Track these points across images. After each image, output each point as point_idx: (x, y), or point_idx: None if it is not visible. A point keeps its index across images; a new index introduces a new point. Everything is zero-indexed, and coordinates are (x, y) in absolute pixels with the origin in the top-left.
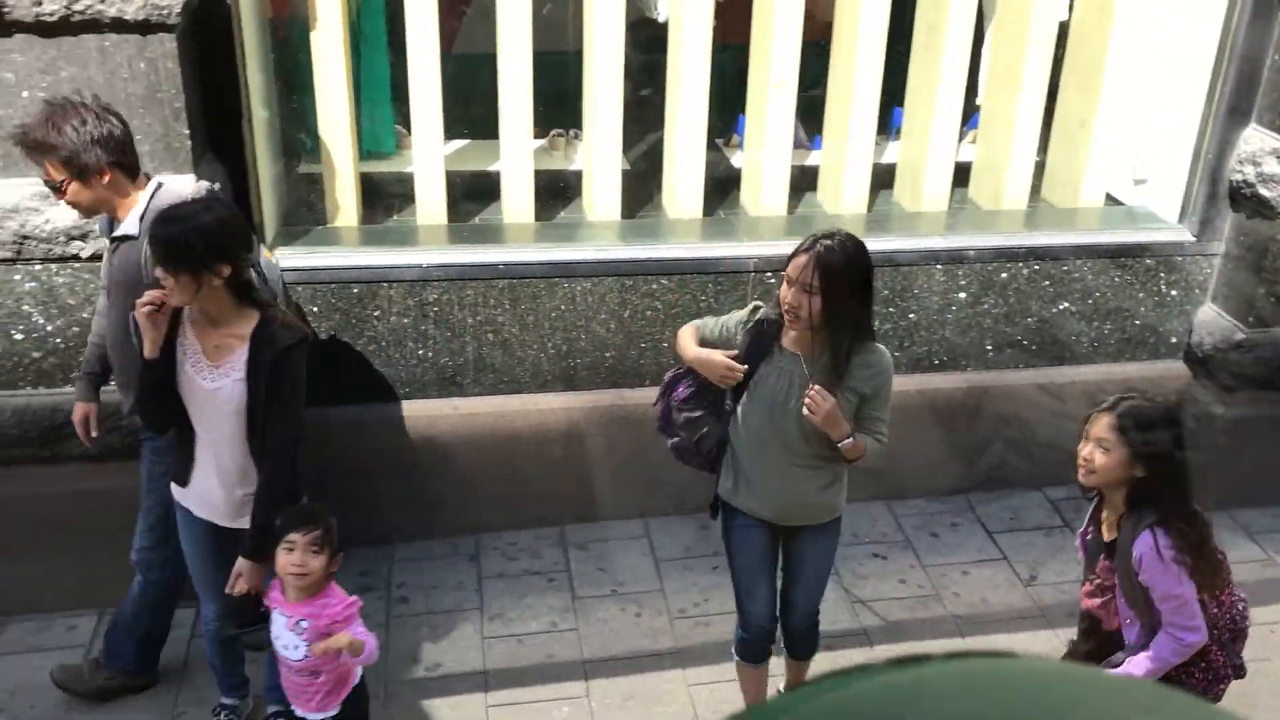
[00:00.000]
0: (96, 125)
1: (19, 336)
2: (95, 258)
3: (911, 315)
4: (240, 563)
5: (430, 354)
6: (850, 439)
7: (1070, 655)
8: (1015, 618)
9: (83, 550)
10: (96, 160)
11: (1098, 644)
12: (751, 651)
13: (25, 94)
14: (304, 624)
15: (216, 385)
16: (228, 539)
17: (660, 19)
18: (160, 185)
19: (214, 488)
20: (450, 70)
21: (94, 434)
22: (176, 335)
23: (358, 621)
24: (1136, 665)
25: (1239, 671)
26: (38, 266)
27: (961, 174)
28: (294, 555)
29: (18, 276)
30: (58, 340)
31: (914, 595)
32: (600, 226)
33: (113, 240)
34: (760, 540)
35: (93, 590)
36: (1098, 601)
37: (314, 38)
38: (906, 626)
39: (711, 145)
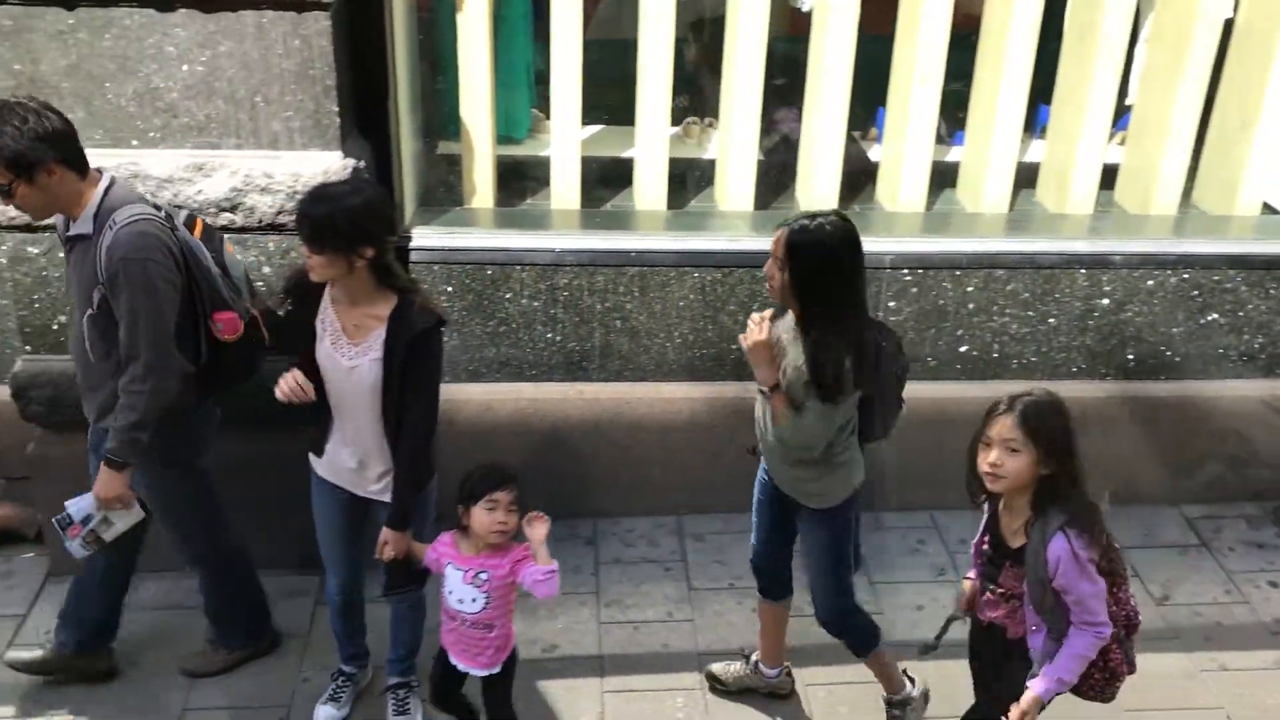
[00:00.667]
0: (37, 122)
1: None
2: (245, 228)
3: (1051, 320)
4: (385, 532)
5: (558, 338)
6: (775, 390)
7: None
8: (1145, 638)
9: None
10: (41, 157)
11: (994, 654)
12: (758, 583)
13: (185, 67)
14: (484, 576)
15: (354, 363)
16: (357, 511)
17: (804, 8)
18: (113, 181)
19: (345, 459)
20: (588, 55)
21: None
22: (317, 312)
23: (530, 563)
24: (1060, 669)
25: (1132, 667)
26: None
27: (1108, 176)
28: (497, 513)
29: None
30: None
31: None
32: (732, 216)
33: (68, 241)
34: (769, 491)
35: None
36: (1002, 611)
37: (460, 20)
38: None
39: (849, 137)
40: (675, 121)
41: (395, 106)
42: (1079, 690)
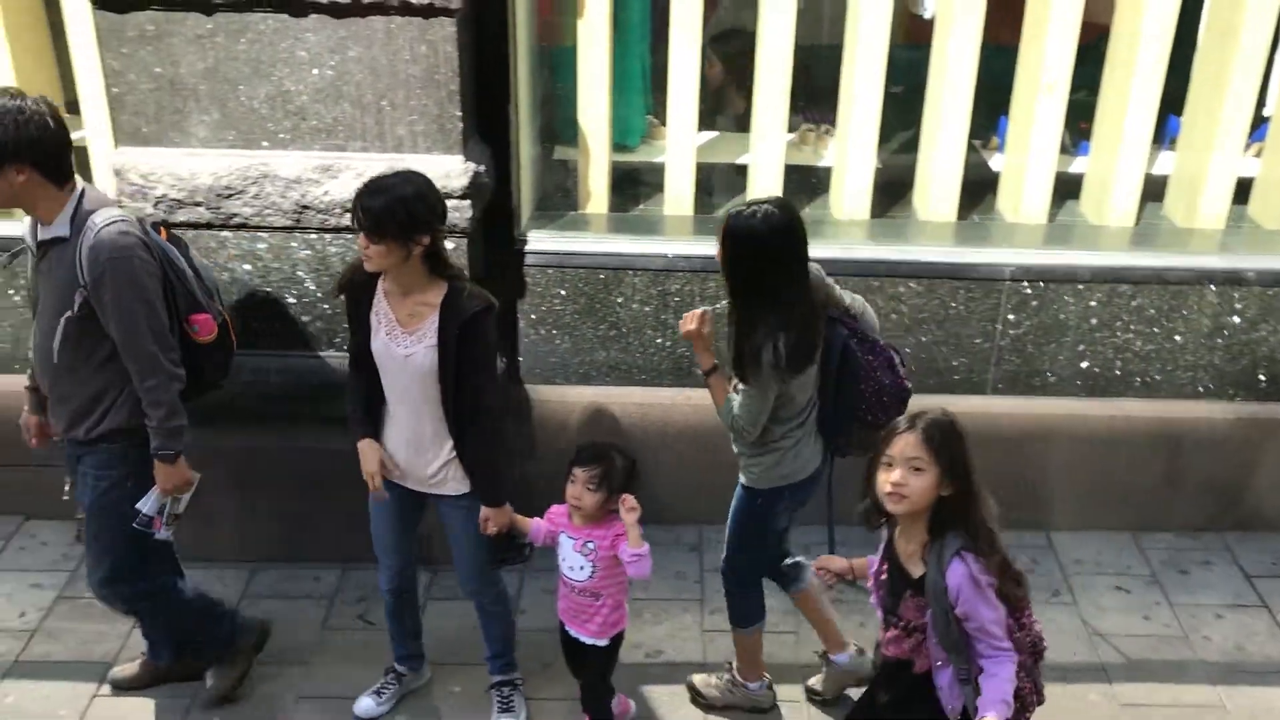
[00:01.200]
0: (27, 123)
1: (291, 300)
2: None
3: (1178, 337)
4: (484, 510)
5: (668, 343)
6: (710, 374)
7: (863, 708)
8: (1275, 671)
9: (333, 506)
10: (14, 156)
11: (902, 692)
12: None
13: (315, 72)
14: (591, 545)
15: (410, 351)
16: (410, 505)
17: (926, 15)
18: (83, 190)
19: (404, 453)
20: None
21: (34, 444)
22: (370, 308)
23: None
24: (998, 692)
25: (1040, 697)
26: (313, 235)
27: (1242, 190)
28: (573, 488)
29: (295, 244)
30: (325, 306)
31: (1159, 634)
32: (847, 224)
33: (40, 245)
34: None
35: (339, 545)
36: (907, 647)
37: (580, 25)
38: (1149, 667)
39: (969, 147)
40: (792, 128)
41: (515, 111)
42: None
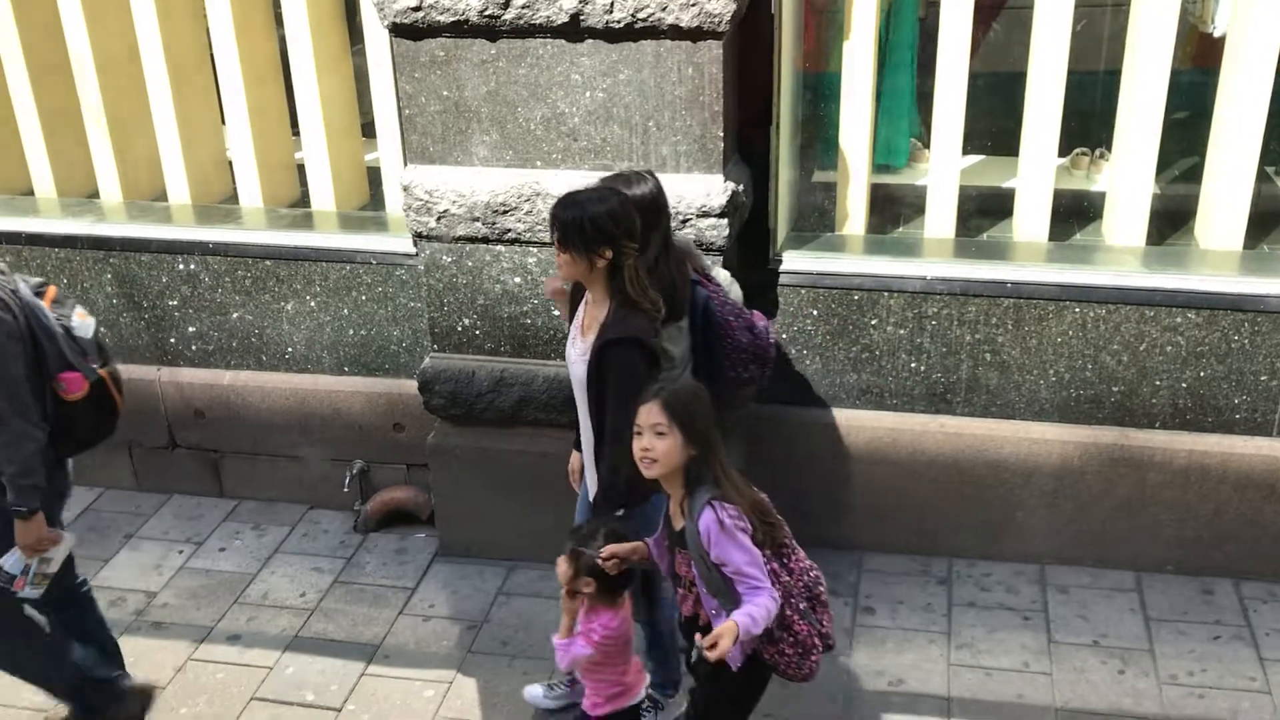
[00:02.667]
0: None
1: (556, 312)
2: None
3: None
4: None
5: (923, 368)
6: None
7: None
8: None
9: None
10: None
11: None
12: None
13: (588, 94)
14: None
15: (575, 358)
16: None
17: (1216, 34)
18: None
19: (584, 456)
20: (970, 86)
21: None
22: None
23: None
24: (747, 611)
25: (827, 641)
26: None
27: None
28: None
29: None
30: None
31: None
32: (1120, 251)
33: None
34: None
35: None
36: (690, 604)
37: (846, 47)
38: None
39: (1261, 174)
40: (1063, 152)
41: (776, 133)
42: (779, 670)
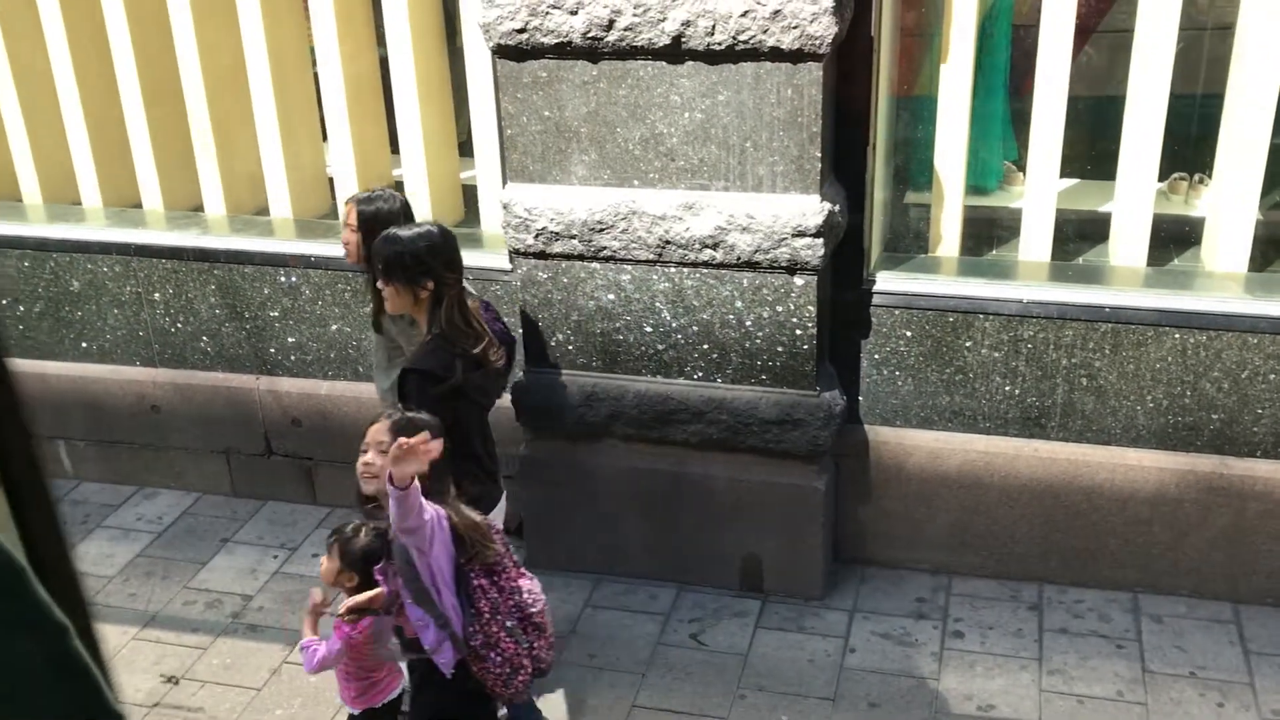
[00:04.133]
0: None
1: (648, 329)
2: (723, 264)
3: None
4: None
5: (1017, 391)
6: None
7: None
8: None
9: (673, 529)
10: None
11: (419, 665)
12: None
13: (686, 115)
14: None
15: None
16: None
17: None
18: None
19: None
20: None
21: None
22: None
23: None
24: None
25: (539, 664)
26: (672, 269)
27: None
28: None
29: (655, 277)
30: (679, 336)
31: None
32: (1221, 277)
33: None
34: None
35: (676, 566)
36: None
37: (943, 70)
38: None
39: None
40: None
41: (873, 154)
42: (487, 686)
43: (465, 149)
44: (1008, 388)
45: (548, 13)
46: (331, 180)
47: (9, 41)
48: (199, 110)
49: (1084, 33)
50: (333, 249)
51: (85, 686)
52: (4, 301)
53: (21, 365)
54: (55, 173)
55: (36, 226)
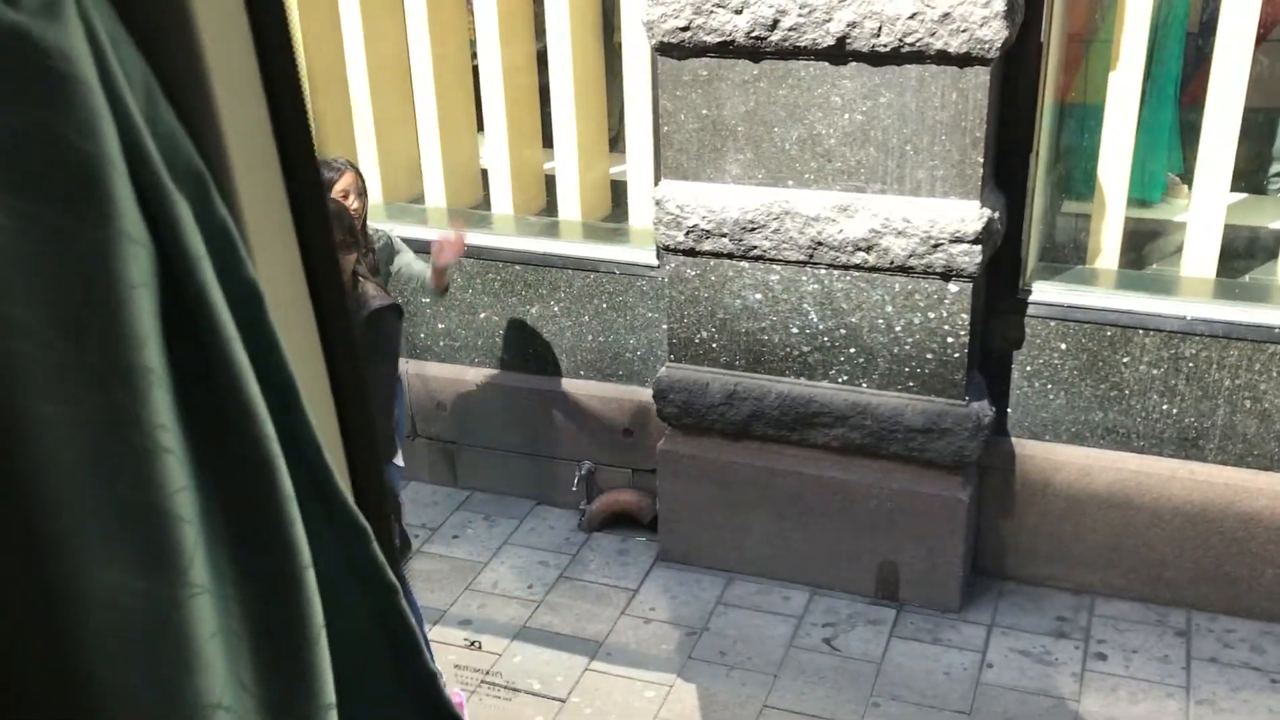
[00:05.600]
0: None
1: (794, 330)
2: (875, 268)
3: None
4: None
5: (1174, 410)
6: None
7: None
8: None
9: (809, 532)
10: None
11: None
12: None
13: (846, 116)
14: None
15: None
16: None
17: None
18: None
19: None
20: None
21: None
22: None
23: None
24: None
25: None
26: (822, 271)
27: None
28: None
29: (804, 278)
30: (825, 339)
31: None
32: None
33: None
34: None
35: (810, 569)
36: None
37: (1112, 78)
38: None
39: None
40: None
41: (1035, 161)
42: None
43: (613, 144)
44: (1165, 406)
45: (712, 11)
46: (485, 172)
47: None
48: (362, 100)
49: (1256, 41)
50: (486, 239)
51: (409, 645)
52: None
53: None
54: None
55: None
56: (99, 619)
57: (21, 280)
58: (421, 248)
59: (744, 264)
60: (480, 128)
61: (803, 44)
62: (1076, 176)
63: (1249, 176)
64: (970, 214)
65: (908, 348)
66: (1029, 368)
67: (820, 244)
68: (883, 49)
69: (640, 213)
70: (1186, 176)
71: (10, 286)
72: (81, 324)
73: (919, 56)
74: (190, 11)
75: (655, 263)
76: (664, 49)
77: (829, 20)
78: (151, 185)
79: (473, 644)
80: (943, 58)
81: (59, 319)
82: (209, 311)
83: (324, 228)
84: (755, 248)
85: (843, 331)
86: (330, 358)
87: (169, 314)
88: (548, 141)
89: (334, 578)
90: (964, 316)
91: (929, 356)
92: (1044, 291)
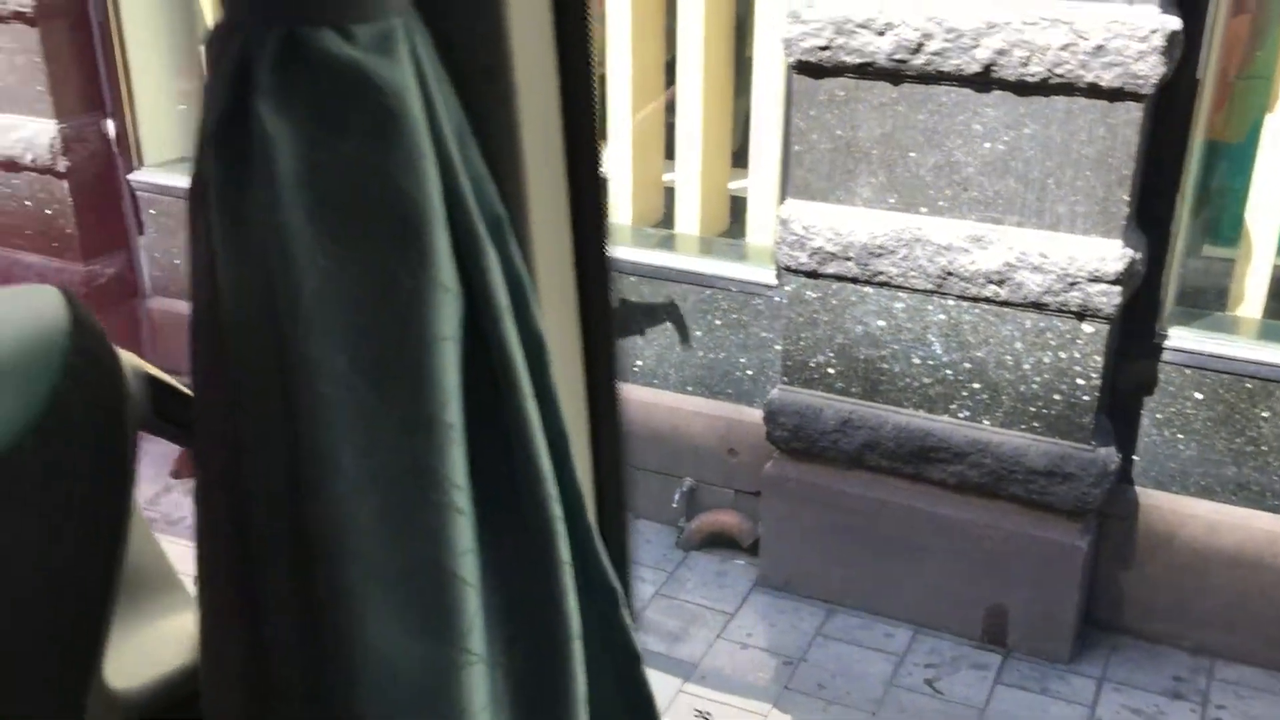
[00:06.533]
0: None
1: (916, 361)
2: (1007, 302)
3: None
4: None
5: None
6: None
7: None
8: None
9: (916, 568)
10: None
11: None
12: None
13: (986, 145)
14: None
15: None
16: None
17: None
18: None
19: None
20: None
21: None
22: None
23: None
24: None
25: None
26: (951, 302)
27: None
28: None
29: (931, 308)
30: (948, 372)
31: None
32: None
33: None
34: None
35: (915, 607)
36: None
37: (1268, 119)
38: None
39: None
40: None
41: (1181, 201)
42: None
43: (734, 159)
44: None
45: (854, 32)
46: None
47: None
48: None
49: None
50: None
51: (647, 717)
52: None
53: None
54: None
55: None
56: (374, 678)
57: (335, 323)
58: None
59: (868, 289)
60: (604, 136)
61: (946, 69)
62: (1222, 219)
63: None
64: (1111, 253)
65: (1035, 386)
66: (1160, 415)
67: (950, 274)
68: (1030, 79)
69: (760, 230)
70: None
71: (323, 328)
72: (389, 373)
73: (1068, 88)
74: (509, 54)
75: (774, 282)
76: (801, 67)
77: (975, 47)
78: (465, 231)
79: None
80: (1093, 91)
81: (367, 366)
82: (509, 366)
83: (605, 280)
84: (881, 273)
85: (967, 365)
86: (594, 410)
87: (469, 367)
88: (670, 152)
89: (586, 643)
90: (1097, 359)
91: (1056, 397)
92: (1181, 338)
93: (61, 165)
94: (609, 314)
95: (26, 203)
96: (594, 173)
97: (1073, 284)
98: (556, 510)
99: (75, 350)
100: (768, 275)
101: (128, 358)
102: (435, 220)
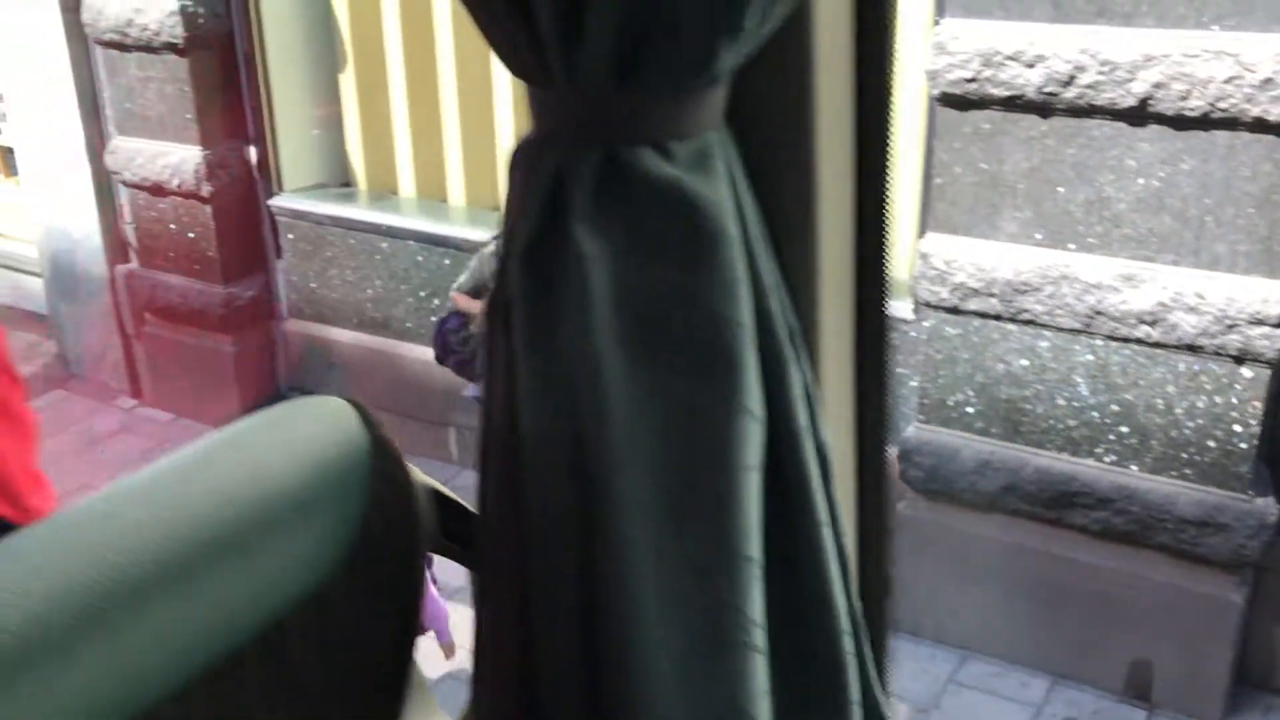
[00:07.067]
0: None
1: (1060, 402)
2: (1160, 344)
3: None
4: None
5: None
6: None
7: None
8: None
9: (1056, 616)
10: None
11: None
12: None
13: (1140, 181)
14: None
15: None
16: None
17: None
18: None
19: None
20: None
21: None
22: None
23: None
24: None
25: None
26: (1099, 342)
27: None
28: None
29: (1078, 347)
30: (1094, 413)
31: None
32: None
33: None
34: None
35: (1053, 657)
36: None
37: None
38: None
39: None
40: None
41: None
42: None
43: None
44: None
45: (1002, 64)
46: None
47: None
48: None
49: None
50: None
51: None
52: (422, 294)
53: (414, 351)
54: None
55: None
56: None
57: (644, 457)
58: None
59: (1011, 327)
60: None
61: (1099, 103)
62: None
63: None
64: (1275, 295)
65: (1187, 432)
66: None
67: (1099, 313)
68: (1190, 113)
69: (895, 263)
70: None
71: (633, 462)
72: (690, 507)
73: (1231, 123)
74: (814, 150)
75: (910, 317)
76: (946, 100)
77: (1131, 80)
78: (771, 352)
79: None
80: (1259, 125)
81: (673, 500)
82: (807, 493)
83: (885, 385)
84: (1026, 311)
85: (1115, 408)
86: (864, 529)
87: (767, 494)
88: None
89: None
90: (1257, 405)
91: (1210, 444)
92: None
93: (205, 190)
94: (887, 421)
95: (171, 226)
96: (880, 276)
97: (1231, 326)
98: (847, 645)
99: (376, 474)
100: (904, 309)
101: (416, 475)
102: (748, 346)
